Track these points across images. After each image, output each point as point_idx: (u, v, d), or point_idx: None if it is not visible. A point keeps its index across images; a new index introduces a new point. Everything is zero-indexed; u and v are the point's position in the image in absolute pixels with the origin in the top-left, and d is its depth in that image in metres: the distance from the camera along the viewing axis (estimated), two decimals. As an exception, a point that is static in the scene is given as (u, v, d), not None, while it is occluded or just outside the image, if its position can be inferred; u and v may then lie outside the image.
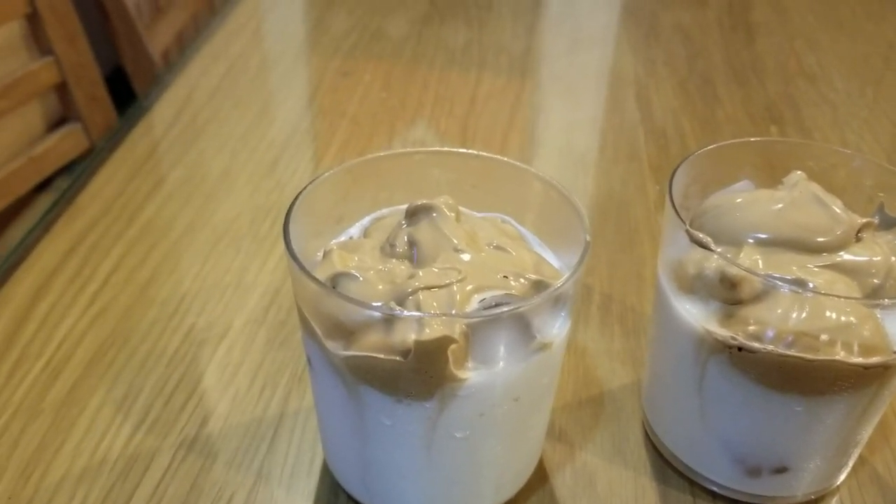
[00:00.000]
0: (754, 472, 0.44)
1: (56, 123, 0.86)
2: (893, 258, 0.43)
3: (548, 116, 0.83)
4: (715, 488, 0.46)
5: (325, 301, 0.37)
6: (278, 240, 0.65)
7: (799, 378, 0.40)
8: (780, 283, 0.39)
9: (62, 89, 0.86)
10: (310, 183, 0.43)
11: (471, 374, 0.37)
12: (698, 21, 1.03)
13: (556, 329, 0.39)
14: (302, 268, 0.37)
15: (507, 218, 0.46)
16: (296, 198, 0.41)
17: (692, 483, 0.47)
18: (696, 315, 0.42)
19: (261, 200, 0.69)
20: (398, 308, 0.36)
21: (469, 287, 0.38)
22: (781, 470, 0.44)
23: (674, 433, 0.47)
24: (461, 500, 0.44)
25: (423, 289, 0.38)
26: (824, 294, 0.39)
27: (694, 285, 0.42)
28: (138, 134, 0.77)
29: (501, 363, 0.38)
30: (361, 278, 0.39)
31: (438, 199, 0.42)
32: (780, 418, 0.41)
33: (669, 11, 1.05)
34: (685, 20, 1.03)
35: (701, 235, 0.41)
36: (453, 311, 0.37)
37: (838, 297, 0.39)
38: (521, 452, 0.44)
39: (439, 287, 0.38)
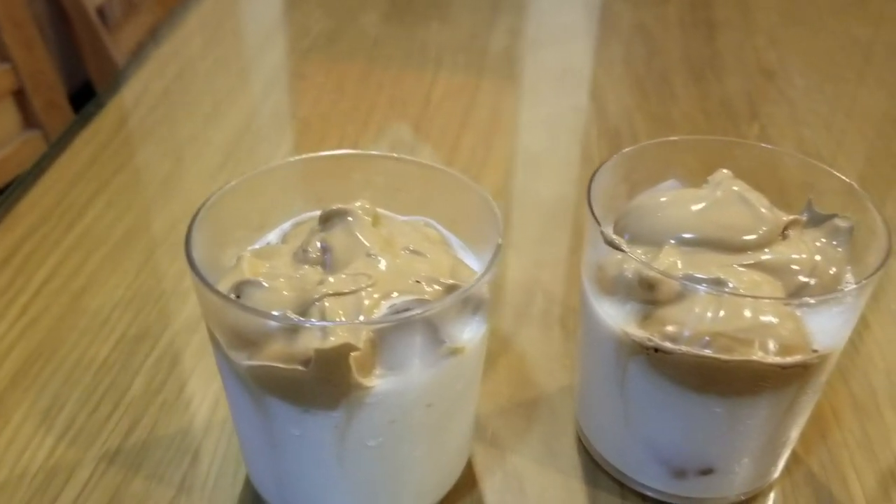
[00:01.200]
0: (680, 473, 0.43)
1: (16, 131, 0.85)
2: (818, 256, 0.42)
3: (502, 117, 0.82)
4: (644, 491, 0.45)
5: (224, 311, 0.36)
6: (218, 245, 0.64)
7: (717, 379, 0.39)
8: (695, 285, 0.38)
9: (20, 96, 0.85)
10: (219, 189, 0.42)
11: (378, 382, 0.36)
12: (660, 19, 1.03)
13: (468, 334, 0.38)
14: (200, 277, 0.36)
15: (430, 221, 0.45)
16: (203, 204, 0.40)
17: (622, 486, 0.46)
18: (614, 317, 0.41)
19: (203, 205, 0.68)
20: (294, 316, 0.35)
21: (378, 293, 0.37)
22: (707, 471, 0.43)
23: (602, 436, 0.46)
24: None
25: (329, 295, 0.37)
26: (740, 295, 0.38)
27: (614, 287, 0.41)
28: (85, 139, 0.76)
29: (410, 370, 0.37)
30: (267, 286, 0.38)
31: (354, 203, 0.41)
32: (701, 420, 0.41)
33: (631, 10, 1.05)
34: (647, 18, 1.03)
35: (614, 237, 0.40)
36: (360, 318, 0.36)
37: (752, 297, 0.38)
38: (442, 459, 0.43)
39: (347, 293, 0.37)
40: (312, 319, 0.36)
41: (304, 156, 0.46)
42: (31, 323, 0.56)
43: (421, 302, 0.37)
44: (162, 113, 0.81)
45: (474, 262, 0.43)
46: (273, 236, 0.45)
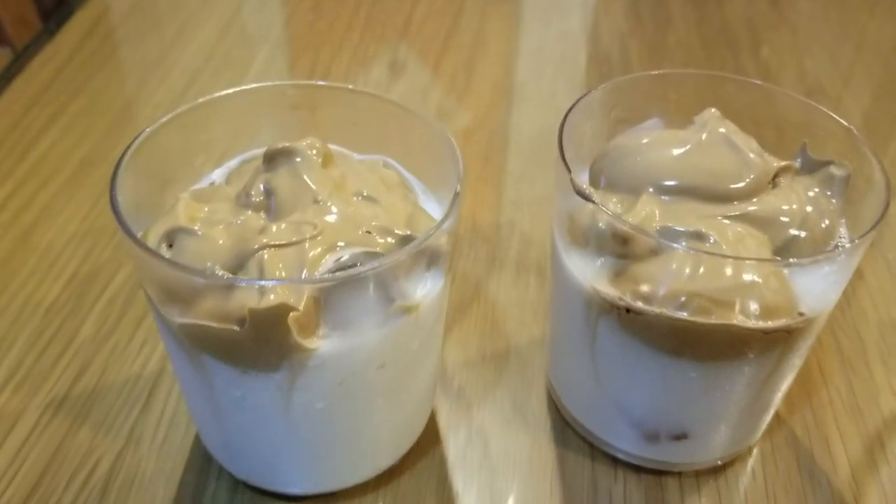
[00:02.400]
0: (652, 437, 0.41)
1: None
2: (809, 207, 0.38)
3: (486, 43, 0.77)
4: (615, 453, 0.43)
5: (150, 265, 0.33)
6: (179, 178, 0.60)
7: (692, 343, 0.36)
8: (671, 243, 0.35)
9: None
10: (156, 122, 0.38)
11: (322, 343, 0.33)
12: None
13: (423, 290, 0.35)
14: (123, 225, 0.33)
15: (390, 161, 0.42)
16: (134, 139, 0.37)
17: (592, 447, 0.44)
18: (584, 271, 0.38)
19: (165, 134, 0.64)
20: (223, 273, 0.32)
21: (324, 245, 0.34)
22: (681, 436, 0.40)
23: (572, 394, 0.44)
24: (334, 471, 0.40)
25: (270, 246, 0.34)
26: (720, 255, 0.35)
27: (585, 239, 0.38)
28: (43, 58, 0.72)
29: (358, 329, 0.34)
30: (201, 234, 0.34)
31: (302, 141, 0.38)
32: (675, 384, 0.38)
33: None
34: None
35: (584, 187, 0.36)
36: (303, 273, 0.33)
37: (734, 258, 0.35)
38: (399, 419, 0.40)
39: (289, 245, 0.34)
40: (246, 277, 0.33)
41: (252, 85, 0.42)
42: (-23, 260, 0.53)
43: (370, 255, 0.34)
44: (125, 32, 0.76)
45: (436, 209, 0.40)
46: (217, 175, 0.41)
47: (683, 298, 0.35)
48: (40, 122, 0.65)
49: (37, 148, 0.62)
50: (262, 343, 0.33)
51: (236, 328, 0.32)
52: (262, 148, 0.42)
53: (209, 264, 0.33)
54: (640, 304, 0.35)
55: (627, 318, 0.36)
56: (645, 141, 0.40)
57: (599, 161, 0.40)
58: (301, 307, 0.32)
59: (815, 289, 0.36)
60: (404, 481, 0.42)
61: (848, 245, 0.36)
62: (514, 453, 0.44)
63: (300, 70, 0.71)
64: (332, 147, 0.42)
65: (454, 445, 0.44)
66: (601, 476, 0.43)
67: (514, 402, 0.46)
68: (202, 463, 0.43)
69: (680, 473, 0.43)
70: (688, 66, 0.74)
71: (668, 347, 0.36)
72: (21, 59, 0.71)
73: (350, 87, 0.42)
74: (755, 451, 0.44)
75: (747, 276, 0.35)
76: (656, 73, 0.43)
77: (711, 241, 0.36)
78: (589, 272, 0.38)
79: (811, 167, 0.41)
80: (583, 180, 0.41)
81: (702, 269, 0.35)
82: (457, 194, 0.35)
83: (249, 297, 0.32)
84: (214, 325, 0.32)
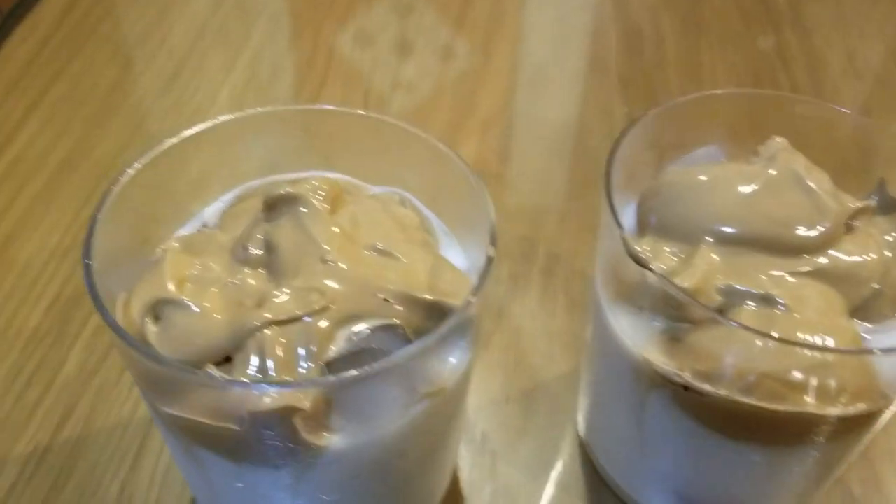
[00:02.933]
0: (701, 509, 0.37)
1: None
2: (889, 254, 0.33)
3: (503, 17, 0.71)
4: (657, 518, 0.39)
5: (133, 356, 0.28)
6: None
7: (759, 428, 0.31)
8: (731, 322, 0.30)
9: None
10: (132, 166, 0.33)
11: (333, 439, 0.29)
12: None
13: (450, 368, 0.31)
14: (102, 310, 0.28)
15: (406, 196, 0.37)
16: (107, 192, 0.31)
17: (630, 508, 0.40)
18: (634, 337, 0.33)
19: (153, 127, 0.58)
20: (218, 374, 0.27)
21: (334, 318, 0.29)
22: (734, 509, 0.36)
23: (610, 457, 0.39)
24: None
25: (271, 324, 0.29)
26: (799, 344, 0.30)
27: (634, 296, 0.33)
28: (17, 39, 0.65)
29: (374, 423, 0.29)
30: (192, 307, 0.29)
31: (307, 182, 0.32)
32: (734, 467, 0.33)
33: None
34: None
35: (640, 252, 0.31)
36: (311, 356, 0.28)
37: (818, 348, 0.30)
38: (419, 496, 0.36)
39: (293, 321, 0.29)
40: (244, 359, 0.28)
41: (249, 111, 0.36)
42: (-52, 281, 0.49)
43: (388, 329, 0.29)
44: (107, 6, 0.69)
45: (459, 255, 0.35)
46: (210, 213, 0.36)
47: (752, 378, 0.30)
48: (17, 114, 0.59)
49: (13, 145, 0.57)
50: (265, 442, 0.28)
51: (235, 427, 0.27)
52: (262, 179, 0.37)
53: (203, 368, 0.28)
54: (701, 385, 0.31)
55: (684, 397, 0.31)
56: (703, 178, 0.34)
57: (649, 199, 0.35)
58: (308, 407, 0.27)
59: (901, 363, 0.31)
60: (424, 550, 0.38)
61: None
62: (544, 514, 0.40)
63: (301, 45, 0.65)
64: (342, 178, 0.37)
65: (478, 505, 0.40)
66: (641, 542, 0.39)
67: (543, 454, 0.42)
68: (200, 531, 0.39)
69: (727, 540, 0.39)
70: (724, 41, 0.67)
71: (729, 431, 0.32)
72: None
73: (361, 112, 0.36)
74: (812, 511, 0.40)
75: (825, 356, 0.30)
76: (711, 93, 0.38)
77: (781, 306, 0.31)
78: (639, 337, 0.33)
79: (888, 207, 0.35)
80: (628, 216, 0.36)
81: (772, 345, 0.30)
82: (490, 259, 0.30)
83: (249, 396, 0.27)
84: (210, 422, 0.28)
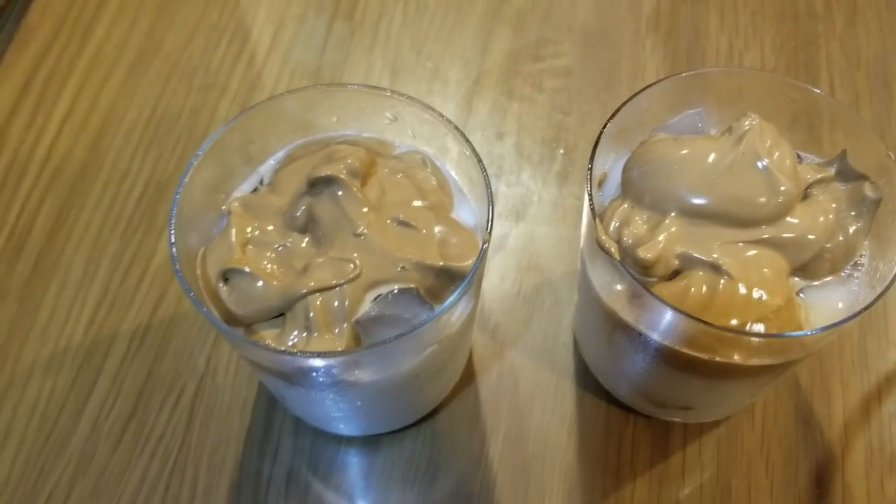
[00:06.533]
0: (661, 405, 0.46)
1: None
2: (834, 218, 0.39)
3: None
4: (629, 405, 0.48)
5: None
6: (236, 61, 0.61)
7: (698, 368, 0.39)
8: (654, 296, 0.37)
9: None
10: (199, 151, 0.40)
11: (361, 376, 0.38)
12: None
13: (457, 314, 0.39)
14: (196, 303, 0.36)
15: (427, 154, 0.43)
16: (184, 175, 0.39)
17: (608, 394, 0.49)
18: (604, 288, 0.41)
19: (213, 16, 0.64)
20: (284, 351, 0.37)
21: (363, 285, 0.38)
22: (687, 408, 0.46)
23: (592, 356, 0.48)
24: (380, 423, 0.47)
25: (315, 291, 0.37)
26: (717, 327, 0.36)
27: (606, 261, 0.40)
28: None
29: (393, 365, 0.38)
30: (255, 277, 0.38)
31: (343, 162, 0.39)
32: (682, 385, 0.42)
33: None
34: None
35: (606, 241, 0.38)
36: (341, 320, 0.37)
37: (746, 333, 0.37)
38: (440, 385, 0.46)
39: (331, 288, 0.37)
40: (293, 318, 0.38)
41: (296, 90, 0.42)
42: (58, 170, 0.57)
43: (406, 291, 0.38)
44: None
45: (471, 212, 0.42)
46: (265, 169, 0.44)
47: (689, 333, 0.38)
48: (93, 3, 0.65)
49: (93, 36, 0.63)
50: (311, 377, 0.38)
51: (288, 372, 0.37)
52: (308, 138, 0.44)
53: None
54: (652, 335, 0.39)
55: (640, 340, 0.40)
56: (675, 155, 0.40)
57: (630, 169, 0.41)
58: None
59: (829, 318, 0.38)
60: (441, 419, 0.49)
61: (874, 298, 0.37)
62: (539, 394, 0.49)
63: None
64: (373, 137, 0.44)
65: (487, 384, 0.50)
66: (614, 420, 0.48)
67: (544, 343, 0.51)
68: (270, 399, 0.50)
69: (686, 424, 0.48)
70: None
71: (675, 366, 0.40)
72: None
73: (388, 93, 0.42)
74: (757, 403, 0.49)
75: (756, 310, 0.37)
76: (701, 71, 0.43)
77: (725, 274, 0.38)
78: (608, 290, 0.40)
79: (845, 176, 0.41)
80: (616, 171, 0.42)
81: (713, 303, 0.38)
82: (483, 250, 0.37)
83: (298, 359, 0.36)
84: (270, 366, 0.38)
